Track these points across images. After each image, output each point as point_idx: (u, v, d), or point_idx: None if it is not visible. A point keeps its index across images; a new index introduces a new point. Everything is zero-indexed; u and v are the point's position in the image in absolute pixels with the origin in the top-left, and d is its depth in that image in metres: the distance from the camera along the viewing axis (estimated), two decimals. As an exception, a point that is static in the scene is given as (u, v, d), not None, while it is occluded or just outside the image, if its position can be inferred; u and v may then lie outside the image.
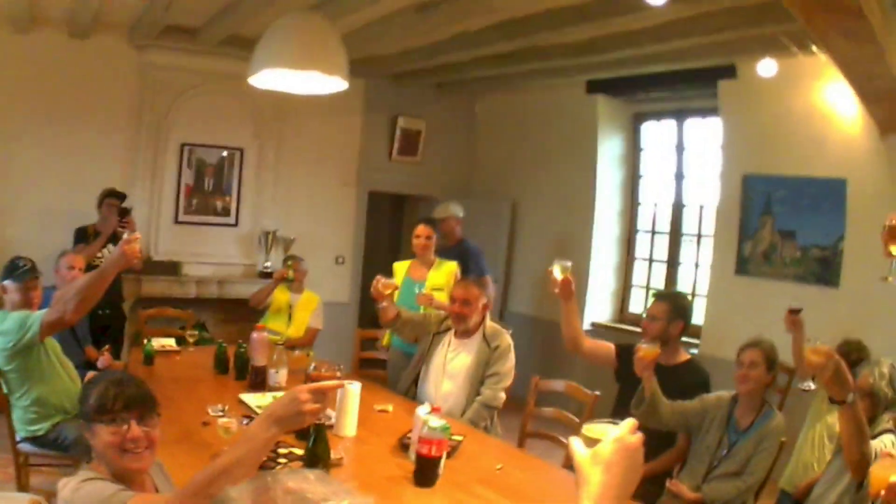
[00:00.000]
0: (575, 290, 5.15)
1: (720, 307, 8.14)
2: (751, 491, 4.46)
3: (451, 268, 7.01)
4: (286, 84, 5.83)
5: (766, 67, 6.88)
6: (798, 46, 6.41)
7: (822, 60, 6.46)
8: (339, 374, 3.78)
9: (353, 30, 7.67)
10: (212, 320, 9.84)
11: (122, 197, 8.03)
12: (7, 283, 5.02)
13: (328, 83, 5.62)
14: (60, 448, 4.98)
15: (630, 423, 1.74)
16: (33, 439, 5.03)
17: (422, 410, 4.07)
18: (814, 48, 6.31)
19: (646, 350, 4.50)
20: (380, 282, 5.76)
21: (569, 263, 5.08)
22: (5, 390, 4.99)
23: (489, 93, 11.31)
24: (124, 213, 7.68)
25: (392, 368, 6.98)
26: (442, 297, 6.66)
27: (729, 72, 7.74)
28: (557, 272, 5.05)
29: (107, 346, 6.46)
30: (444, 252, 7.84)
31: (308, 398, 2.62)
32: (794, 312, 5.57)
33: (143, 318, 7.71)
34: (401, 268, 7.12)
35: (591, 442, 1.75)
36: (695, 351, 7.15)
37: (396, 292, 6.11)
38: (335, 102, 8.40)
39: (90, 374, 6.01)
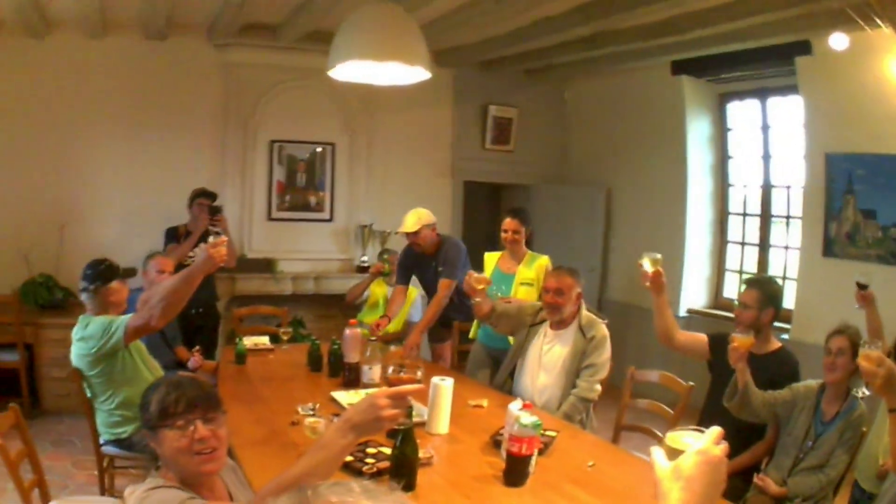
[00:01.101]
0: (666, 282, 5.04)
1: (809, 291, 7.92)
2: (832, 485, 4.32)
3: (542, 262, 6.74)
4: (367, 76, 5.81)
5: (838, 41, 6.66)
6: (863, 20, 6.18)
7: (888, 34, 6.28)
8: (419, 374, 3.78)
9: (433, 19, 7.67)
10: (308, 316, 9.89)
11: (212, 196, 8.08)
12: (87, 285, 4.99)
13: (410, 73, 5.59)
14: (145, 451, 4.96)
15: (715, 433, 1.68)
16: (117, 442, 5.07)
17: (514, 406, 3.97)
18: (878, 21, 6.11)
19: (740, 340, 4.42)
20: (472, 276, 5.73)
21: (658, 255, 4.97)
22: (89, 394, 5.05)
23: (577, 78, 11.11)
24: (215, 211, 7.72)
25: (471, 362, 6.89)
26: (532, 294, 6.52)
27: (804, 48, 7.53)
28: (647, 265, 4.95)
29: (197, 347, 6.54)
30: (427, 260, 7.34)
31: (386, 404, 2.60)
32: (862, 288, 5.42)
33: (237, 316, 7.76)
34: (491, 259, 6.97)
35: (674, 453, 1.71)
36: (785, 337, 6.98)
37: (489, 286, 5.98)
38: (424, 93, 8.48)
39: (182, 374, 6.14)
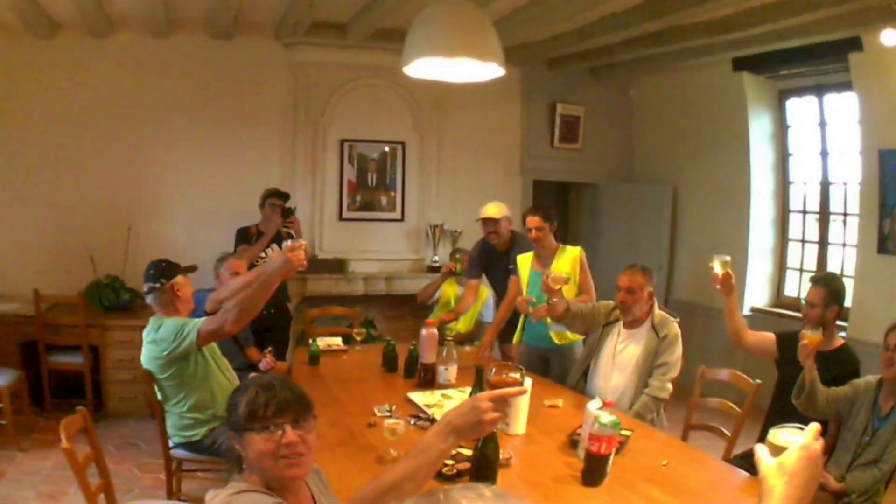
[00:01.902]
0: (734, 284, 5.10)
1: (866, 288, 7.74)
2: (884, 478, 4.16)
3: (574, 254, 6.60)
4: (441, 73, 5.70)
5: (888, 37, 6.61)
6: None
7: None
8: (520, 377, 3.67)
9: (502, 16, 7.55)
10: (379, 317, 9.84)
11: (285, 197, 7.97)
12: (180, 278, 4.93)
13: (484, 70, 5.48)
14: (216, 453, 4.90)
15: (814, 428, 1.76)
16: (187, 445, 4.99)
17: (592, 406, 3.91)
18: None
19: (810, 337, 4.46)
20: (549, 277, 5.66)
21: (727, 258, 5.05)
22: (160, 397, 4.95)
23: (642, 75, 10.98)
24: (288, 213, 7.66)
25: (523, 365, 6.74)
26: (571, 290, 6.36)
27: (856, 44, 7.48)
28: (717, 267, 5.03)
29: (269, 348, 6.46)
30: (500, 258, 7.47)
31: (489, 406, 2.52)
32: None
33: (309, 317, 7.67)
34: (524, 261, 6.76)
35: (777, 450, 1.79)
36: (843, 335, 6.80)
37: (565, 287, 5.89)
38: (493, 91, 8.38)
39: (251, 376, 6.02)
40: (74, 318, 7.66)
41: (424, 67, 5.52)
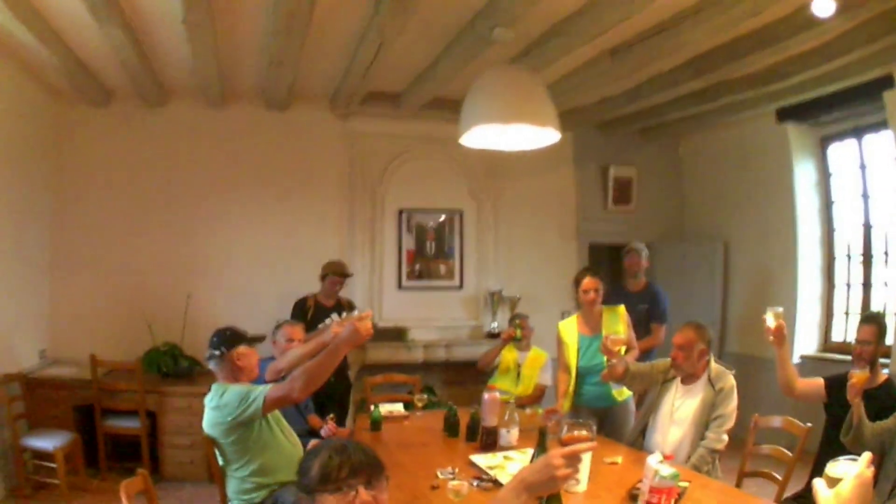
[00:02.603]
0: (787, 334, 5.18)
1: None
2: None
3: (621, 311, 6.70)
4: (498, 141, 5.75)
5: None
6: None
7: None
8: (591, 434, 3.58)
9: (552, 82, 7.67)
10: (438, 383, 9.76)
11: (347, 276, 8.11)
12: (242, 348, 4.88)
13: (541, 135, 5.54)
14: None
15: (867, 457, 1.95)
16: None
17: (653, 460, 3.90)
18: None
19: (858, 376, 4.57)
20: (608, 339, 5.75)
21: (780, 309, 5.16)
22: (221, 461, 4.89)
23: (689, 133, 11.12)
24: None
25: None
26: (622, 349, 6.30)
27: (889, 82, 7.57)
28: (771, 320, 5.12)
29: (331, 415, 6.42)
30: (628, 297, 7.96)
31: (562, 463, 2.56)
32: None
33: (370, 385, 7.60)
34: (569, 327, 6.73)
35: (833, 482, 1.97)
36: (886, 371, 6.76)
37: (624, 347, 5.97)
38: (547, 156, 8.33)
39: (313, 442, 5.96)
40: (131, 384, 7.68)
41: (481, 136, 5.56)
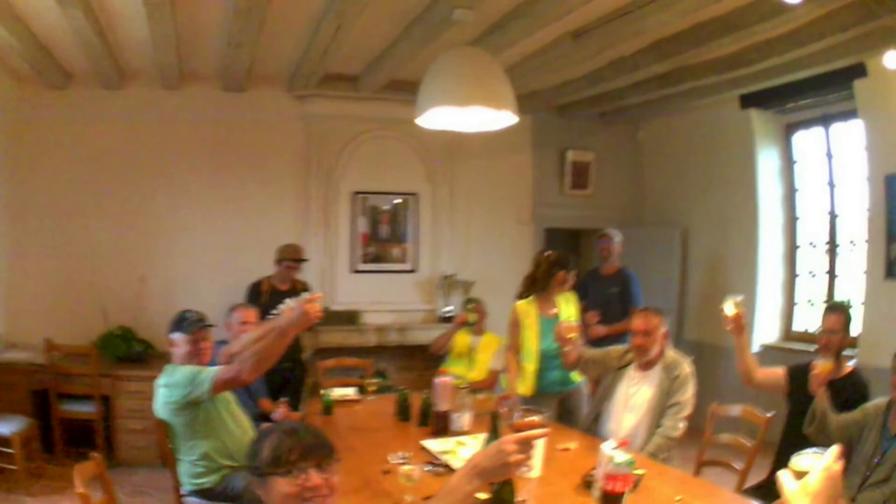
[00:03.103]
0: (746, 323, 5.25)
1: (874, 314, 7.77)
2: (894, 496, 4.17)
3: (572, 296, 6.79)
4: (455, 123, 5.74)
5: (892, 59, 6.57)
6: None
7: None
8: (544, 420, 3.63)
9: (512, 64, 7.66)
10: (391, 367, 9.79)
11: (302, 261, 8.10)
12: (175, 335, 4.90)
13: (498, 118, 5.52)
14: (228, 499, 4.83)
15: (835, 451, 1.88)
16: (200, 492, 4.91)
17: (607, 446, 3.89)
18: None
19: (822, 366, 4.64)
20: (562, 326, 5.79)
21: (740, 297, 5.19)
22: (171, 444, 4.93)
23: (649, 118, 11.11)
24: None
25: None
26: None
27: (860, 70, 7.59)
28: (729, 308, 5.15)
29: (283, 399, 6.44)
30: (601, 280, 8.42)
31: (514, 449, 2.56)
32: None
33: (322, 369, 7.63)
34: (529, 307, 6.66)
35: (800, 475, 1.90)
36: (853, 362, 6.88)
37: (576, 335, 5.92)
38: (504, 140, 8.53)
39: (264, 426, 5.99)
40: (86, 368, 7.65)
41: (438, 118, 5.55)
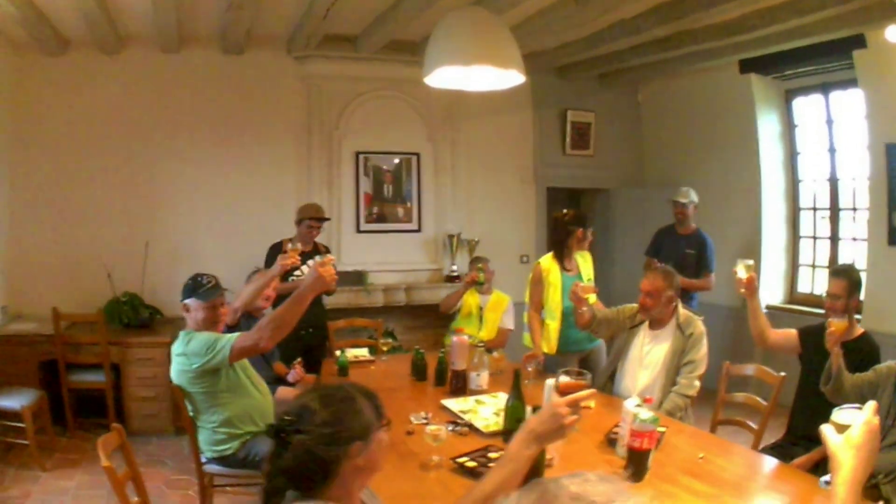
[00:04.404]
0: (758, 286, 5.34)
1: (878, 280, 7.84)
2: None
3: (589, 255, 6.83)
4: (462, 82, 5.71)
5: (892, 33, 6.63)
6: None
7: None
8: (586, 382, 3.65)
9: (513, 25, 7.49)
10: (398, 327, 9.79)
11: (324, 220, 7.95)
12: (190, 301, 4.83)
13: (504, 77, 5.50)
14: (250, 466, 4.83)
15: (873, 405, 1.99)
16: (220, 459, 4.90)
17: (630, 403, 3.98)
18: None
19: (836, 324, 4.60)
20: (578, 286, 5.77)
21: (751, 261, 5.25)
22: (191, 412, 4.89)
23: (649, 81, 11.11)
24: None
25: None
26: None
27: (860, 41, 7.66)
28: (742, 271, 5.21)
29: (299, 360, 6.40)
30: (678, 239, 8.61)
31: (567, 411, 2.67)
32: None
33: (332, 329, 7.63)
34: (552, 264, 6.63)
35: (841, 428, 2.00)
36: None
37: (594, 295, 6.02)
38: (505, 100, 8.57)
39: (281, 388, 5.96)
40: (94, 337, 7.60)
41: (445, 77, 5.51)
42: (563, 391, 3.33)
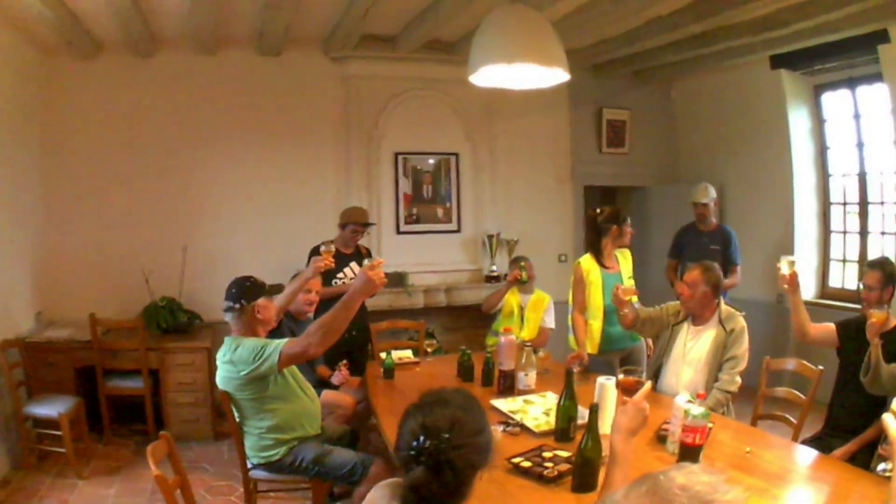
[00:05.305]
0: (799, 282, 5.29)
1: None
2: None
3: (628, 252, 6.81)
4: (506, 80, 5.68)
5: None
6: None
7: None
8: (642, 379, 3.72)
9: (551, 23, 7.47)
10: (438, 328, 9.73)
11: (369, 225, 7.92)
12: (261, 300, 4.77)
13: (548, 75, 5.49)
14: (297, 471, 4.81)
15: None
16: (267, 465, 4.84)
17: (681, 399, 4.02)
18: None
19: (877, 315, 4.62)
20: (619, 289, 5.81)
21: (793, 258, 5.32)
22: (237, 417, 4.82)
23: (682, 77, 11.03)
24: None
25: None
26: (632, 284, 6.52)
27: (883, 36, 7.62)
28: (785, 268, 5.25)
29: (344, 361, 6.33)
30: (701, 237, 8.59)
31: (646, 406, 3.01)
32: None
33: (374, 332, 7.58)
34: (591, 264, 6.58)
35: None
36: None
37: (635, 297, 5.97)
38: (541, 99, 8.58)
39: (325, 392, 5.89)
40: (132, 343, 7.54)
41: (489, 76, 5.50)
42: (623, 387, 3.58)
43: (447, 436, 2.31)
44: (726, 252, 8.51)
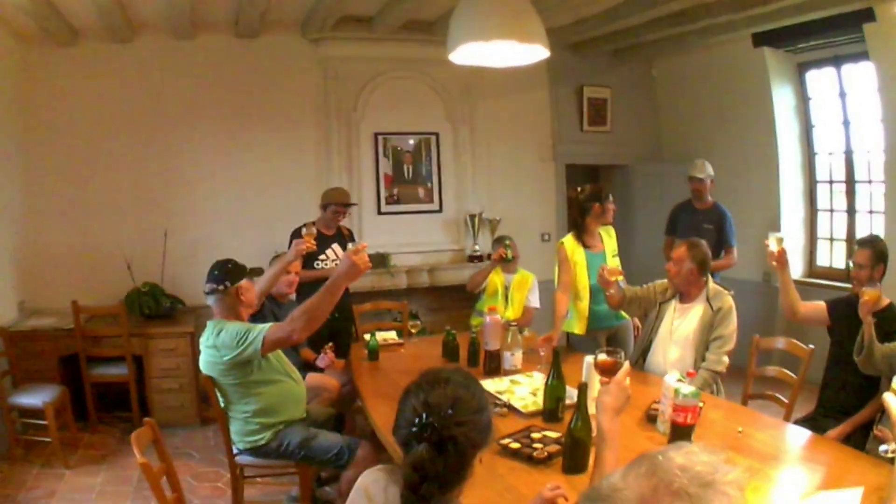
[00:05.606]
0: (788, 259, 5.28)
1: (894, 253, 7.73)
2: None
3: (612, 230, 6.72)
4: (485, 58, 5.69)
5: None
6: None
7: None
8: (620, 360, 3.59)
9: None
10: (421, 309, 9.69)
11: (350, 206, 7.86)
12: (244, 282, 4.79)
13: (528, 52, 5.50)
14: (284, 456, 4.80)
15: None
16: (253, 450, 4.83)
17: (671, 378, 3.97)
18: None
19: (870, 293, 4.59)
20: (604, 269, 5.80)
21: (781, 235, 5.32)
22: (222, 402, 4.80)
23: (663, 56, 10.99)
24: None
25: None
26: (617, 263, 6.46)
27: (869, 15, 7.60)
28: (773, 244, 5.23)
29: (329, 344, 6.33)
30: (695, 214, 8.43)
31: (628, 385, 2.95)
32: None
33: (358, 313, 7.56)
34: (574, 244, 6.50)
35: None
36: None
37: (621, 277, 5.96)
38: (521, 77, 8.63)
39: (310, 375, 5.88)
40: (115, 329, 7.52)
41: (468, 54, 5.49)
42: (602, 368, 3.44)
43: (450, 412, 2.33)
44: (720, 232, 8.42)
